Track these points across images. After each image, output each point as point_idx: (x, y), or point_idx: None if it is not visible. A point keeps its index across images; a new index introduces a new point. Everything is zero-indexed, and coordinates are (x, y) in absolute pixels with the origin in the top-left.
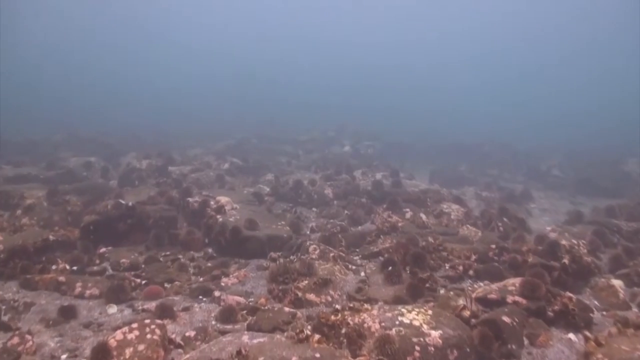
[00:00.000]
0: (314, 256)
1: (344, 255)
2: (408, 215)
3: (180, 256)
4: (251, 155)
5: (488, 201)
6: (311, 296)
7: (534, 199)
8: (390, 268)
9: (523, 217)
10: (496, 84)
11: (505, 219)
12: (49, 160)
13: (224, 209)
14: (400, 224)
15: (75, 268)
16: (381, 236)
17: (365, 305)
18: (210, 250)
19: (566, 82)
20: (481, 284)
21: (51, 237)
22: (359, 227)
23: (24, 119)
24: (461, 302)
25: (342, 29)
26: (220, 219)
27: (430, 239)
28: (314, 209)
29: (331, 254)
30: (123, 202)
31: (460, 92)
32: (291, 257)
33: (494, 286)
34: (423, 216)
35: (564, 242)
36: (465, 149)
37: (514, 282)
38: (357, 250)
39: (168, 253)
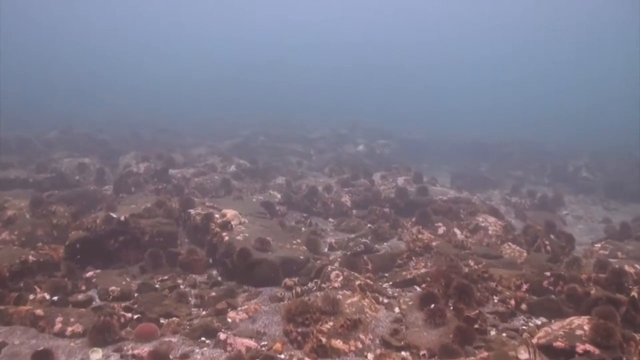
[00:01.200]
0: (336, 284)
1: (372, 283)
2: (441, 230)
3: (180, 281)
4: (259, 156)
5: (518, 208)
6: (338, 343)
7: (564, 205)
8: (432, 306)
9: (571, 234)
10: (510, 82)
11: (552, 236)
12: (39, 162)
13: (230, 224)
14: (434, 243)
15: (56, 298)
16: (413, 258)
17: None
18: (215, 272)
19: (581, 79)
20: (537, 321)
21: (31, 258)
22: (385, 243)
23: (16, 114)
24: (522, 354)
25: (357, 27)
26: (227, 238)
27: (472, 262)
28: (330, 220)
29: (357, 282)
30: (114, 215)
31: (473, 90)
32: (309, 285)
33: (556, 327)
34: (457, 232)
35: (629, 268)
36: (484, 148)
37: (580, 324)
38: (386, 275)
39: (166, 277)
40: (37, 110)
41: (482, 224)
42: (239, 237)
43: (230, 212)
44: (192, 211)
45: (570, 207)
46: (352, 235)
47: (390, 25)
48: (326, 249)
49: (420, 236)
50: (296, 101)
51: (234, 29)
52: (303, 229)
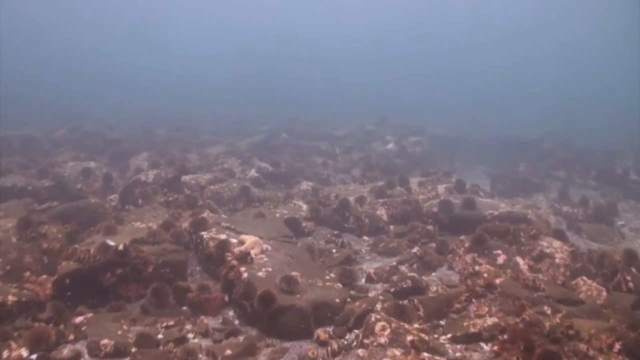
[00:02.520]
0: (382, 339)
1: (427, 338)
2: (500, 259)
3: (189, 326)
4: (281, 155)
5: (571, 219)
6: None
7: (618, 214)
8: None
9: None
10: (539, 73)
11: (633, 269)
12: (41, 167)
13: (249, 256)
14: (497, 281)
15: (35, 357)
16: (473, 300)
17: None
18: (231, 313)
19: (619, 72)
20: None
21: (11, 298)
22: (433, 274)
23: (24, 112)
24: None
25: (374, 17)
26: (245, 274)
27: (548, 310)
28: (365, 238)
29: (409, 338)
30: (111, 243)
31: (501, 80)
32: (348, 338)
33: None
34: (520, 261)
35: None
36: (520, 146)
37: None
38: (442, 324)
39: (172, 323)
40: (46, 107)
41: (547, 250)
42: (260, 274)
43: (249, 239)
44: (205, 234)
45: (625, 217)
46: (394, 262)
47: (410, 12)
48: (363, 280)
49: (478, 269)
50: (318, 96)
51: (250, 22)
52: (334, 250)
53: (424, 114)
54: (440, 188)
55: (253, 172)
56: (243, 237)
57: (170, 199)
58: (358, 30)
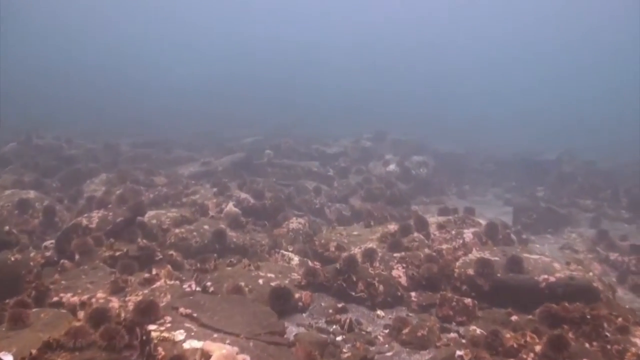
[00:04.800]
0: None
1: None
2: None
3: None
4: (266, 179)
5: (621, 269)
6: None
7: None
8: None
9: None
10: (552, 83)
11: None
12: None
13: None
14: None
15: None
16: None
17: None
18: None
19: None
20: None
21: None
22: None
23: None
24: None
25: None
26: None
27: None
28: (379, 313)
29: None
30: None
31: (511, 93)
32: None
33: None
34: None
35: None
36: (536, 165)
37: None
38: None
39: None
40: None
41: (636, 350)
42: None
43: (217, 352)
44: (154, 331)
45: None
46: None
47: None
48: None
49: None
50: (308, 105)
51: (231, 22)
52: (339, 338)
53: (422, 126)
54: (468, 234)
55: (231, 205)
56: (208, 346)
57: (118, 253)
58: (352, 36)
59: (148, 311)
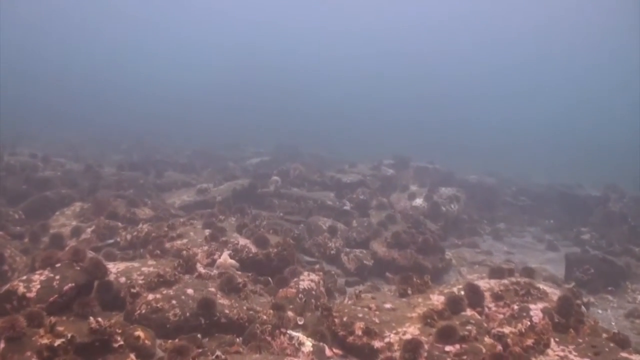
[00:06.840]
0: None
1: None
2: None
3: None
4: (271, 209)
5: None
6: None
7: None
8: None
9: None
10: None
11: None
12: None
13: None
14: None
15: None
16: None
17: None
18: None
19: None
20: None
21: None
22: None
23: None
24: None
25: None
26: None
27: None
28: None
29: None
30: None
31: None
32: None
33: None
34: None
35: None
36: (576, 201)
37: None
38: None
39: None
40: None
41: None
42: None
43: None
44: None
45: None
46: None
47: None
48: None
49: None
50: (319, 120)
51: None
52: None
53: (444, 152)
54: (536, 312)
55: (226, 257)
56: None
57: (59, 342)
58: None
59: None
